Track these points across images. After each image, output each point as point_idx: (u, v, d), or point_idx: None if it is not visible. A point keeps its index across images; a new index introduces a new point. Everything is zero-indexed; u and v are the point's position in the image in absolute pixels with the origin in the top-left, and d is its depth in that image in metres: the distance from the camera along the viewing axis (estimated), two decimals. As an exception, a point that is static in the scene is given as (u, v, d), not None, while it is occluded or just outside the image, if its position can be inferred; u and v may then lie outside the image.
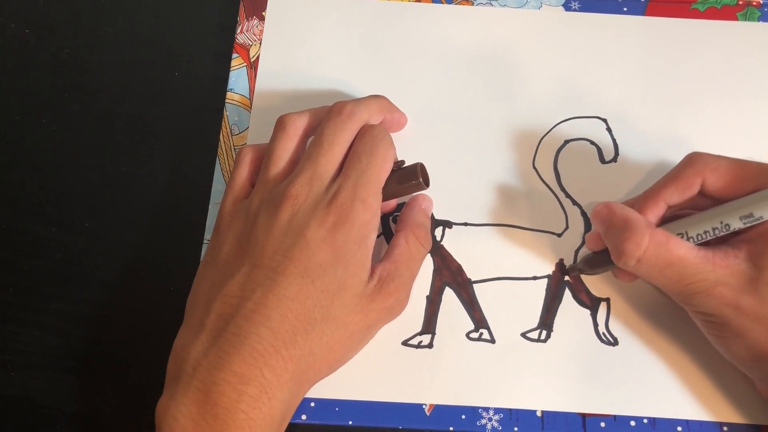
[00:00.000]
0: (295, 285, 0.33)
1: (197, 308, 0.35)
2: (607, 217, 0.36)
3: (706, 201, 0.36)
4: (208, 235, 0.42)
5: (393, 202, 0.40)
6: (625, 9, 0.46)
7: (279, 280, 0.33)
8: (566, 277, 0.40)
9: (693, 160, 0.36)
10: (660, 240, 0.34)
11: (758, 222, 0.33)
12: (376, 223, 0.36)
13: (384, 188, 0.37)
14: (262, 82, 0.45)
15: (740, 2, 0.46)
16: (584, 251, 0.40)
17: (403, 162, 0.39)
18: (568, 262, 0.40)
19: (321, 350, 0.34)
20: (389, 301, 0.36)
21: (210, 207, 0.43)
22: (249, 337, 0.32)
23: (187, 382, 0.32)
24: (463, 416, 0.38)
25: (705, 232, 0.34)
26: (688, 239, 0.34)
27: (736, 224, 0.33)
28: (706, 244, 0.34)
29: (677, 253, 0.34)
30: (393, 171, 0.38)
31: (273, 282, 0.33)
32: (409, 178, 0.38)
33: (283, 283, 0.33)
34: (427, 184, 0.38)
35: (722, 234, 0.34)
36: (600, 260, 0.38)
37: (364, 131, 0.37)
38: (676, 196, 0.36)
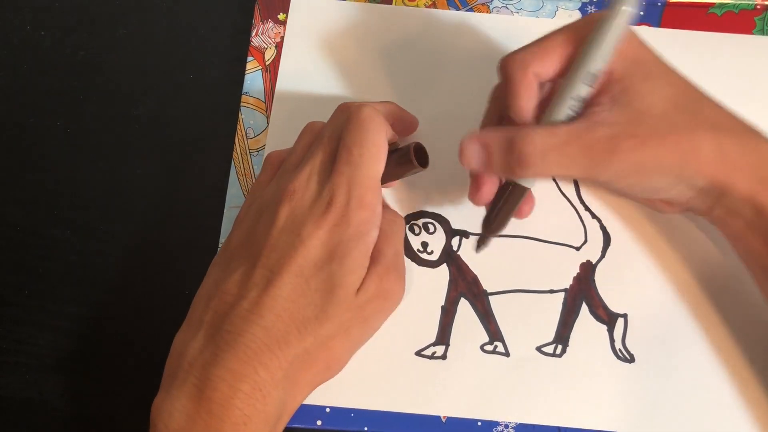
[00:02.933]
0: (290, 284, 0.33)
1: (199, 305, 0.35)
2: (483, 148, 0.34)
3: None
4: (223, 239, 0.42)
5: (392, 183, 0.39)
6: (641, 13, 0.45)
7: (274, 279, 0.33)
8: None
9: (505, 73, 0.35)
10: (542, 130, 0.33)
11: (597, 78, 0.33)
12: (375, 219, 0.35)
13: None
14: (282, 85, 0.44)
15: (758, 6, 0.45)
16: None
17: (398, 143, 0.37)
18: (586, 276, 0.40)
19: (316, 349, 0.34)
20: (382, 286, 0.35)
21: (225, 210, 0.42)
22: (243, 335, 0.32)
23: (183, 378, 0.32)
24: (479, 423, 0.38)
25: (566, 116, 0.34)
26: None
27: (585, 91, 0.33)
28: None
29: (563, 131, 0.33)
30: (390, 152, 0.36)
31: (268, 282, 0.33)
32: (404, 162, 0.36)
33: (278, 283, 0.33)
34: (424, 165, 0.36)
35: (579, 110, 0.33)
36: (497, 210, 0.36)
37: (351, 115, 0.35)
38: (531, 99, 0.35)
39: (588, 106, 0.34)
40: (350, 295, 0.34)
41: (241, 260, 0.35)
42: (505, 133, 0.34)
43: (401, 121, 0.40)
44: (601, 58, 0.32)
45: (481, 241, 0.38)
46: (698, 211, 0.36)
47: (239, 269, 0.34)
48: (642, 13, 0.45)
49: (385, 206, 0.37)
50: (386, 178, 0.36)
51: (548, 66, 0.34)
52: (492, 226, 0.37)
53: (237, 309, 0.33)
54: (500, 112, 0.37)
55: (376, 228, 0.35)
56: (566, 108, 0.33)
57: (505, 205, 0.36)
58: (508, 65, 0.35)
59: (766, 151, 0.33)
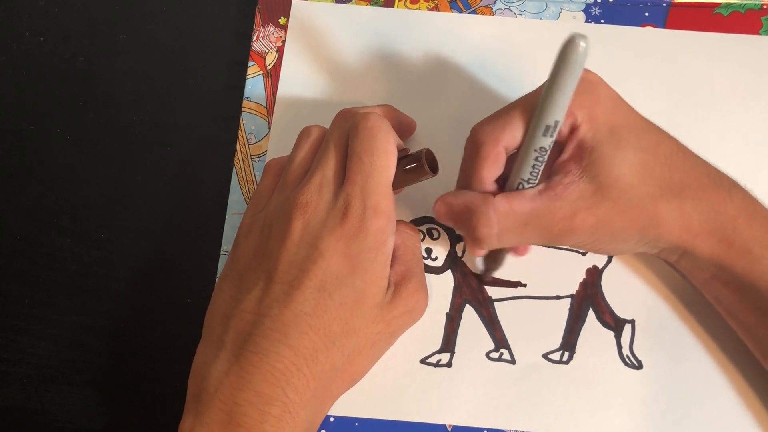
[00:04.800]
0: (312, 300, 0.32)
1: (215, 324, 0.34)
2: (449, 212, 0.36)
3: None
4: (225, 246, 0.41)
5: (400, 189, 0.39)
6: (646, 14, 0.44)
7: (295, 294, 0.32)
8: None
9: (477, 143, 0.35)
10: (504, 208, 0.33)
11: (558, 127, 0.32)
12: (391, 226, 0.35)
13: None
14: (284, 90, 0.44)
15: (765, 6, 0.44)
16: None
17: (407, 149, 0.37)
18: (593, 282, 0.39)
19: (343, 364, 0.33)
20: (410, 302, 0.35)
21: (227, 217, 0.42)
22: (269, 355, 0.32)
23: (209, 402, 0.32)
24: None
25: (533, 167, 0.33)
26: (528, 184, 0.34)
27: (547, 142, 0.33)
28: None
29: (525, 209, 0.33)
30: (398, 159, 0.35)
31: (289, 297, 0.32)
32: (415, 167, 0.36)
33: (299, 298, 0.32)
34: (435, 171, 0.36)
35: (545, 159, 0.33)
36: (494, 255, 0.38)
37: (358, 123, 0.35)
38: (493, 170, 0.35)
39: (557, 171, 0.34)
40: (375, 308, 0.34)
41: (256, 275, 0.34)
42: (468, 202, 0.35)
43: (399, 124, 0.40)
44: (555, 111, 0.32)
45: (486, 276, 0.40)
46: (666, 262, 0.36)
47: (256, 286, 0.33)
48: (647, 14, 0.44)
49: (399, 221, 0.38)
50: (396, 185, 0.35)
51: (516, 137, 0.34)
52: (492, 268, 0.39)
53: (260, 328, 0.32)
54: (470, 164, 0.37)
55: (393, 235, 0.35)
56: (531, 160, 0.33)
57: (493, 257, 0.38)
58: (480, 138, 0.35)
59: (730, 212, 0.33)
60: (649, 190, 0.33)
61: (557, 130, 0.32)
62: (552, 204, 0.33)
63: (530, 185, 0.34)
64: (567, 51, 0.30)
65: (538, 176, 0.34)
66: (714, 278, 0.34)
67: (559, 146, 0.34)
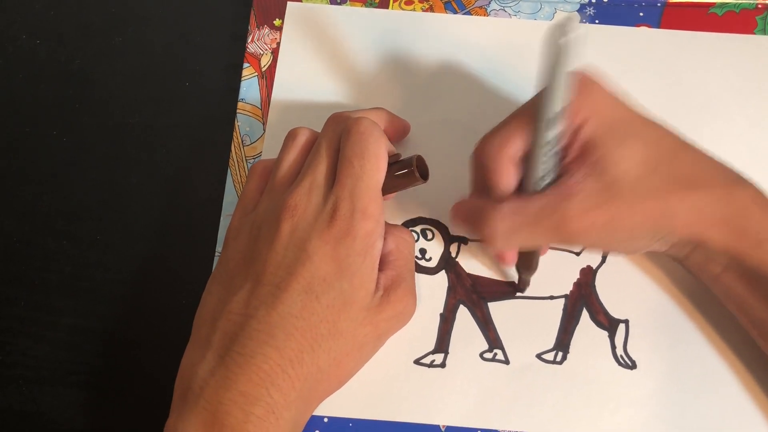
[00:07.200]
0: (299, 302, 0.33)
1: (204, 325, 0.35)
2: (461, 216, 0.36)
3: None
4: (219, 248, 0.41)
5: (390, 195, 0.39)
6: (641, 14, 0.44)
7: (282, 296, 0.33)
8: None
9: (486, 159, 0.35)
10: (511, 207, 0.34)
11: (560, 117, 0.32)
12: (380, 230, 0.35)
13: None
14: (279, 92, 0.44)
15: (759, 5, 0.44)
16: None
17: (399, 155, 0.37)
18: (587, 282, 0.39)
19: (329, 366, 0.33)
20: (399, 307, 0.35)
21: (221, 219, 0.42)
22: (254, 356, 0.32)
23: (194, 401, 0.32)
24: (479, 432, 0.38)
25: (547, 162, 0.33)
26: (548, 178, 0.34)
27: (554, 134, 0.32)
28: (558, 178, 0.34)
29: (533, 208, 0.33)
30: (390, 165, 0.36)
31: (276, 299, 0.33)
32: (406, 174, 0.36)
33: (286, 300, 0.33)
34: (425, 177, 0.36)
35: (559, 150, 0.33)
36: (524, 259, 0.38)
37: (350, 128, 0.35)
38: (511, 179, 0.35)
39: (564, 172, 0.34)
40: (363, 311, 0.34)
41: (244, 278, 0.34)
42: (478, 207, 0.35)
43: (393, 127, 0.40)
44: (554, 101, 0.31)
45: (522, 284, 0.39)
46: (675, 258, 0.36)
47: (244, 287, 0.34)
48: (642, 14, 0.44)
49: (395, 225, 0.38)
50: (386, 190, 0.36)
51: (519, 145, 0.34)
52: (530, 270, 0.38)
53: (246, 329, 0.32)
54: (482, 178, 0.37)
55: (381, 238, 0.35)
56: (543, 156, 0.33)
57: (526, 261, 0.38)
58: (484, 154, 0.35)
59: (741, 201, 0.33)
60: (658, 183, 0.33)
61: (561, 120, 0.32)
62: (561, 203, 0.33)
63: (549, 179, 0.34)
64: (552, 40, 0.30)
65: (556, 170, 0.34)
66: (726, 271, 0.34)
67: (564, 150, 0.34)
